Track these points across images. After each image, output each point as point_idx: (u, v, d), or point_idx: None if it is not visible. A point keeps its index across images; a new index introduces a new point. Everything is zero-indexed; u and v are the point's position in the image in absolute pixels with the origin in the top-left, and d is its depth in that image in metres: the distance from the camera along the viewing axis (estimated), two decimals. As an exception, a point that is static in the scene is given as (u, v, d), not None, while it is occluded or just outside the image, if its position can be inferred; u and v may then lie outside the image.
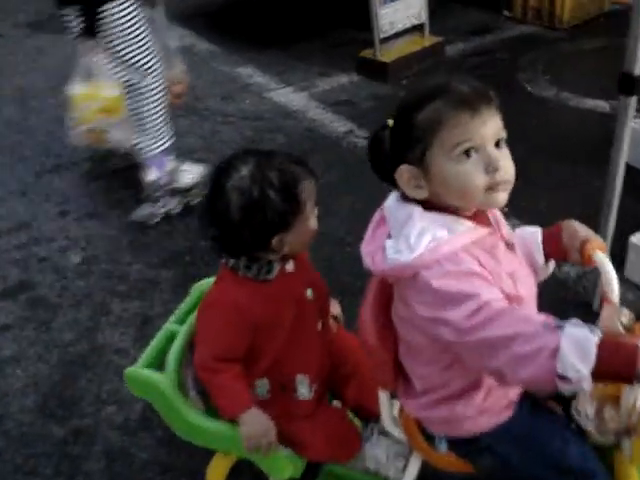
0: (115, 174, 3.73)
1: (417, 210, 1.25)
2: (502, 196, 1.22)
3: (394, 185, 1.30)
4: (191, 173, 3.36)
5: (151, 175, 3.21)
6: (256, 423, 1.54)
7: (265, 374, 1.61)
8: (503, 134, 1.22)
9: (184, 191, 3.35)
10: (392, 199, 1.33)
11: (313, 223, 1.52)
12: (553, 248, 1.43)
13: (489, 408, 1.35)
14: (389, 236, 1.28)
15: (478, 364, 1.19)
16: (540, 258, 1.44)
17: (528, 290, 1.32)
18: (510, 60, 4.73)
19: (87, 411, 2.32)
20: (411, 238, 1.21)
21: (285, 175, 1.45)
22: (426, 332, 1.24)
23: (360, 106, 4.36)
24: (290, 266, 1.57)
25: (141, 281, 2.92)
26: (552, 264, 1.47)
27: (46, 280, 2.97)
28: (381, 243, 1.28)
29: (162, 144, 3.18)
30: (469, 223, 1.25)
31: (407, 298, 1.26)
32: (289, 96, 4.56)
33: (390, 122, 1.32)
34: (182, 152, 3.83)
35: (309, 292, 1.59)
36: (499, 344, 1.11)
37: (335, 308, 1.81)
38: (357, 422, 1.78)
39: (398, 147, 1.27)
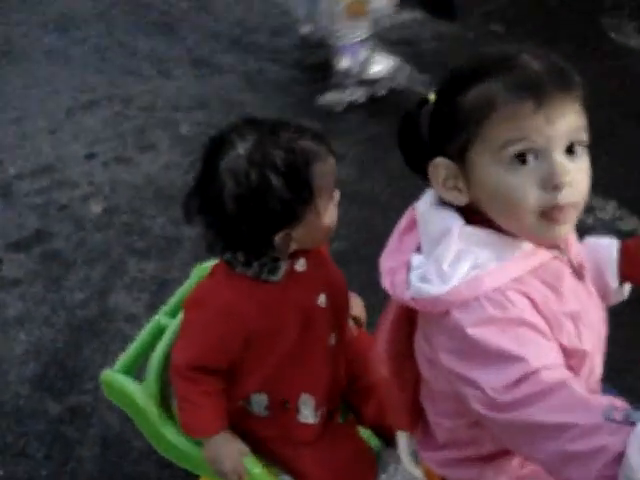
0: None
1: (457, 224, 0.93)
2: (563, 229, 0.89)
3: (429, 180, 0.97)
4: (382, 64, 3.39)
5: (344, 62, 3.30)
6: (222, 454, 1.28)
7: (263, 388, 1.33)
8: (582, 136, 0.88)
9: (371, 82, 3.38)
10: (426, 200, 1.01)
11: (330, 216, 1.21)
12: (634, 267, 1.10)
13: (527, 476, 1.04)
14: (418, 249, 0.97)
15: (510, 445, 0.88)
16: (613, 280, 1.11)
17: (595, 337, 0.99)
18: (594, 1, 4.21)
19: (87, 387, 2.10)
20: (444, 263, 0.90)
21: (293, 155, 1.15)
22: (451, 383, 0.93)
23: (421, 47, 3.95)
24: (301, 265, 1.28)
25: (162, 239, 2.67)
26: (628, 287, 1.14)
27: (63, 231, 2.74)
28: (406, 258, 0.97)
29: (360, 34, 3.26)
30: (527, 245, 0.92)
31: (431, 338, 0.95)
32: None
33: (431, 97, 0.99)
34: (221, 91, 3.55)
35: (322, 298, 1.31)
36: (543, 432, 0.80)
37: (356, 306, 1.52)
38: (374, 441, 1.49)
39: (437, 133, 0.95)
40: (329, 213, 1.20)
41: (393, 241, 1.04)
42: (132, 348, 1.44)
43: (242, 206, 1.15)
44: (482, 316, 0.86)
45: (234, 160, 1.15)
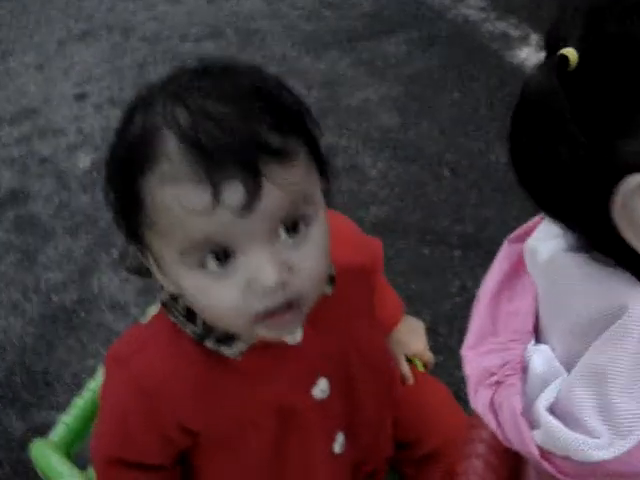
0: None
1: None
2: None
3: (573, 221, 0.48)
4: None
5: None
6: None
7: None
8: None
9: None
10: (555, 240, 0.53)
11: (212, 289, 0.64)
12: None
13: None
14: (536, 330, 0.51)
15: None
16: None
17: None
18: None
19: (59, 400, 1.65)
20: (616, 398, 0.45)
21: (141, 140, 0.63)
22: None
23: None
24: (294, 336, 0.75)
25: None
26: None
27: (43, 191, 2.26)
28: (517, 350, 0.54)
29: None
30: None
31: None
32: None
33: (570, 53, 0.46)
34: (237, 18, 3.00)
35: (320, 387, 0.79)
36: None
37: (417, 340, 1.04)
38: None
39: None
40: (193, 282, 0.64)
41: (482, 308, 0.57)
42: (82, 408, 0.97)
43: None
44: None
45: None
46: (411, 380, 1.00)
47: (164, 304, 0.75)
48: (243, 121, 0.60)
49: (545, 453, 0.50)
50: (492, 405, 0.54)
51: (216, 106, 0.60)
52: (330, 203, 0.70)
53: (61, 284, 1.93)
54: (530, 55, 2.56)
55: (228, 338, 0.71)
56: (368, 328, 0.85)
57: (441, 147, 2.26)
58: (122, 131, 0.66)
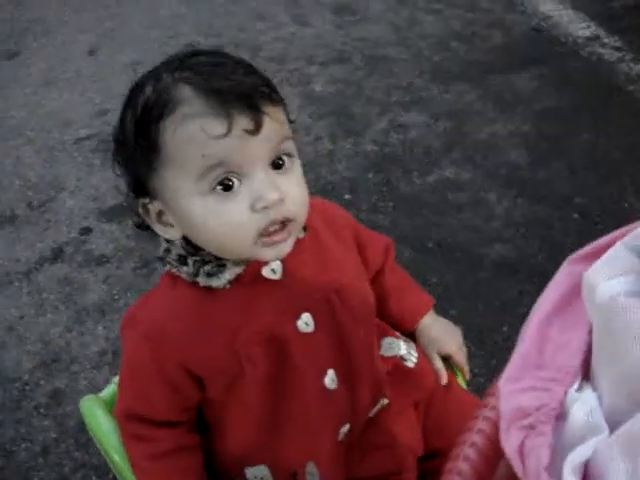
0: None
1: None
2: None
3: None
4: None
5: None
6: None
7: (256, 456, 0.93)
8: None
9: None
10: (617, 286, 0.47)
11: (213, 211, 0.78)
12: None
13: None
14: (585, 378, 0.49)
15: None
16: None
17: None
18: None
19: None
20: None
21: (157, 96, 0.77)
22: None
23: (613, 3, 3.21)
24: (272, 269, 0.86)
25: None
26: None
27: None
28: (555, 401, 0.50)
29: None
30: None
31: None
32: (517, -18, 3.49)
33: None
34: (365, 44, 3.00)
35: (304, 320, 0.88)
36: None
37: (451, 341, 1.09)
38: None
39: None
40: (205, 205, 0.78)
41: (530, 334, 0.54)
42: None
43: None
44: None
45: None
46: (444, 379, 1.04)
47: (160, 258, 0.87)
48: (245, 76, 0.77)
49: None
50: (521, 450, 0.49)
51: (217, 69, 0.77)
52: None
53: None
54: (670, 100, 2.44)
55: (217, 271, 0.83)
56: (347, 277, 0.92)
57: (570, 189, 2.17)
58: (131, 101, 0.79)
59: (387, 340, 1.02)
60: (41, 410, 1.68)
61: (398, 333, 1.05)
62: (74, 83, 2.99)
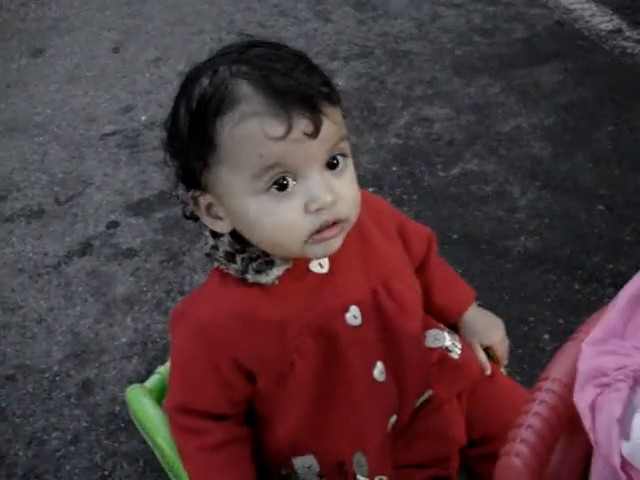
0: None
1: None
2: None
3: None
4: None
5: None
6: None
7: (304, 446, 0.93)
8: None
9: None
10: None
11: (267, 209, 0.78)
12: None
13: None
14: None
15: None
16: None
17: None
18: None
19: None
20: None
21: (213, 91, 0.76)
22: None
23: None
24: (320, 263, 0.88)
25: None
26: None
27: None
28: (636, 364, 0.54)
29: None
30: None
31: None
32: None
33: None
34: (387, 39, 3.01)
35: (352, 313, 0.88)
36: None
37: (494, 332, 1.08)
38: None
39: None
40: (259, 204, 0.78)
41: (618, 308, 0.58)
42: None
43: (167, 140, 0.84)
44: None
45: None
46: (489, 370, 1.04)
47: (208, 254, 0.86)
48: (305, 74, 0.76)
49: (627, 465, 0.49)
50: (593, 406, 0.53)
51: (276, 65, 0.75)
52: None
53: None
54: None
55: (265, 267, 0.83)
56: (393, 269, 0.93)
57: (595, 181, 2.17)
58: (186, 93, 0.78)
59: (432, 332, 1.01)
60: (72, 400, 1.71)
61: (442, 325, 1.04)
62: (99, 80, 3.03)
